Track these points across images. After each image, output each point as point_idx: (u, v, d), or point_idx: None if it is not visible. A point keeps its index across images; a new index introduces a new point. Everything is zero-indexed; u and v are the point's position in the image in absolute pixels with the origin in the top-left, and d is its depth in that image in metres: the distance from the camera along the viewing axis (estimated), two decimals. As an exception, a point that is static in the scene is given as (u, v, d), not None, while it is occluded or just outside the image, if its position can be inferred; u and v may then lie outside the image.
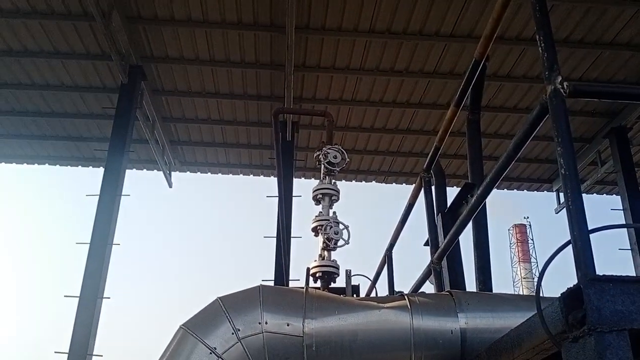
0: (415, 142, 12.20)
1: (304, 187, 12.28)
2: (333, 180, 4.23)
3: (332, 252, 3.98)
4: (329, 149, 4.14)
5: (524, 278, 70.53)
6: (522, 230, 74.86)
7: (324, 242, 3.91)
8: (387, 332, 3.18)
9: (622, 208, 10.95)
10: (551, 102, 2.14)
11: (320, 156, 4.16)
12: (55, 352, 8.13)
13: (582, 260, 1.84)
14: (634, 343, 1.74)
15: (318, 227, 3.98)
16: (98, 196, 9.13)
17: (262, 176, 13.29)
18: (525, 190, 13.74)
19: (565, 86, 2.11)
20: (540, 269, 2.14)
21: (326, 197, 4.14)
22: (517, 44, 9.40)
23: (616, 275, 1.80)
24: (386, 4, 8.81)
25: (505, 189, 13.73)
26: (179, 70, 10.36)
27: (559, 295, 1.90)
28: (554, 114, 2.12)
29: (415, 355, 3.16)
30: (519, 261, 72.93)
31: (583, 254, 1.85)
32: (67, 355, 8.03)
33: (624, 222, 10.86)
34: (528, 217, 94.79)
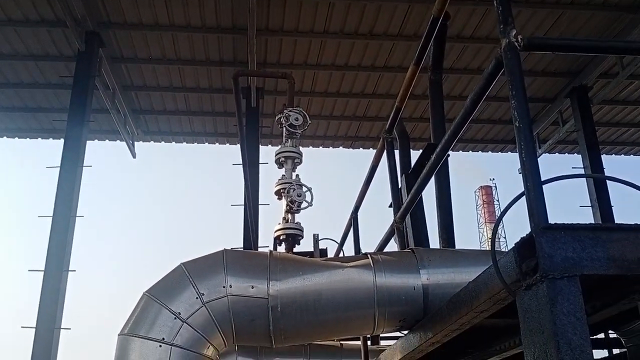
0: (381, 106, 12.20)
1: (271, 155, 12.20)
2: (296, 143, 4.20)
3: (296, 215, 3.98)
4: (290, 111, 4.11)
5: (491, 238, 72.19)
6: (487, 192, 76.33)
7: (287, 204, 3.92)
8: (351, 290, 3.22)
9: (582, 166, 11.20)
10: (506, 56, 2.14)
11: (282, 119, 4.12)
12: (22, 327, 8.04)
13: (534, 210, 1.87)
14: (584, 289, 1.79)
15: (281, 190, 3.97)
16: (59, 168, 8.93)
17: (227, 144, 13.15)
18: (490, 152, 13.94)
19: (519, 39, 2.11)
20: (505, 230, 2.17)
21: (289, 160, 4.12)
22: (480, 5, 9.40)
23: (567, 224, 1.84)
24: (348, -35, 8.67)
25: (470, 151, 13.89)
26: (138, 37, 10.07)
27: (513, 245, 1.94)
28: (509, 67, 2.12)
29: (379, 311, 3.22)
30: (485, 222, 74.56)
31: (536, 204, 1.88)
32: (34, 329, 7.95)
33: (585, 181, 11.12)
34: (494, 179, 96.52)
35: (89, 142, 9.56)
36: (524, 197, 1.97)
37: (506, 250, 2.18)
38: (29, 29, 9.80)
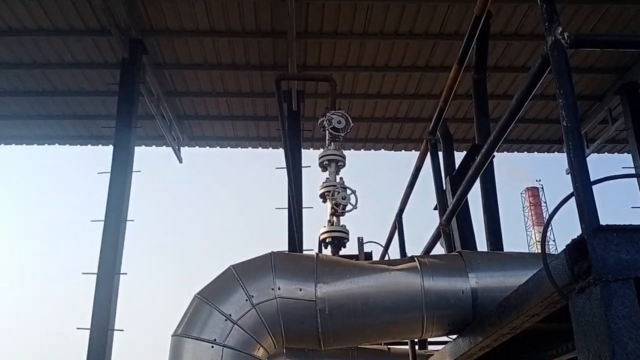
0: (423, 107, 12.11)
1: (313, 158, 12.26)
2: (339, 146, 4.23)
3: (341, 218, 4.00)
4: (332, 114, 4.14)
5: (539, 241, 70.57)
6: (534, 194, 74.66)
7: (332, 207, 3.94)
8: (398, 293, 3.22)
9: (633, 166, 10.84)
10: (552, 54, 2.11)
11: (325, 122, 4.15)
12: (78, 328, 8.32)
13: (585, 211, 1.84)
14: (639, 291, 1.75)
15: (326, 193, 4.00)
16: (109, 174, 9.20)
17: (270, 148, 13.29)
18: (536, 152, 13.64)
19: (565, 37, 2.08)
20: (554, 232, 2.14)
21: (332, 163, 4.15)
22: (523, 1, 9.25)
23: (620, 225, 1.81)
24: (388, -34, 8.65)
25: (515, 152, 13.64)
26: (180, 43, 10.29)
27: (564, 247, 1.91)
28: (556, 65, 2.09)
29: (427, 315, 3.21)
30: (533, 225, 72.90)
31: (586, 205, 1.85)
32: (89, 330, 8.22)
33: (637, 182, 10.76)
34: (540, 180, 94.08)
35: (137, 148, 9.82)
36: (573, 198, 1.95)
37: (556, 253, 2.15)
38: (75, 38, 10.14)
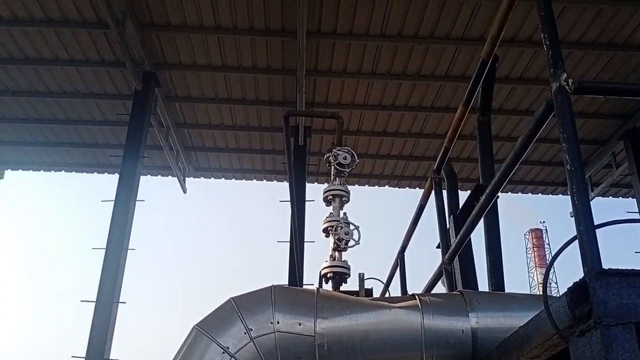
0: (427, 146, 12.19)
1: (317, 192, 12.32)
2: (344, 182, 4.26)
3: (343, 253, 4.00)
4: (338, 150, 4.18)
5: (541, 283, 69.89)
6: (538, 235, 74.33)
7: (334, 242, 3.95)
8: (398, 331, 3.20)
9: (638, 211, 10.83)
10: (556, 99, 2.16)
11: (330, 157, 4.20)
12: (73, 357, 8.22)
13: (588, 254, 1.86)
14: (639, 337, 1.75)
15: (329, 228, 4.01)
16: (113, 202, 9.23)
17: (275, 181, 13.34)
18: (540, 194, 13.65)
19: (570, 83, 2.13)
20: (556, 274, 2.15)
21: (336, 198, 4.17)
22: (529, 47, 9.38)
23: (622, 269, 1.82)
24: (397, 7, 8.84)
25: (519, 193, 13.64)
26: (192, 77, 10.46)
27: (566, 289, 1.92)
28: (559, 110, 2.13)
29: (427, 354, 3.18)
30: (535, 266, 72.35)
31: (589, 248, 1.86)
32: (84, 359, 8.12)
33: (641, 225, 10.74)
34: (544, 222, 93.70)
35: (142, 177, 9.88)
36: (576, 240, 1.96)
37: (557, 295, 2.15)
38: (90, 69, 10.31)
